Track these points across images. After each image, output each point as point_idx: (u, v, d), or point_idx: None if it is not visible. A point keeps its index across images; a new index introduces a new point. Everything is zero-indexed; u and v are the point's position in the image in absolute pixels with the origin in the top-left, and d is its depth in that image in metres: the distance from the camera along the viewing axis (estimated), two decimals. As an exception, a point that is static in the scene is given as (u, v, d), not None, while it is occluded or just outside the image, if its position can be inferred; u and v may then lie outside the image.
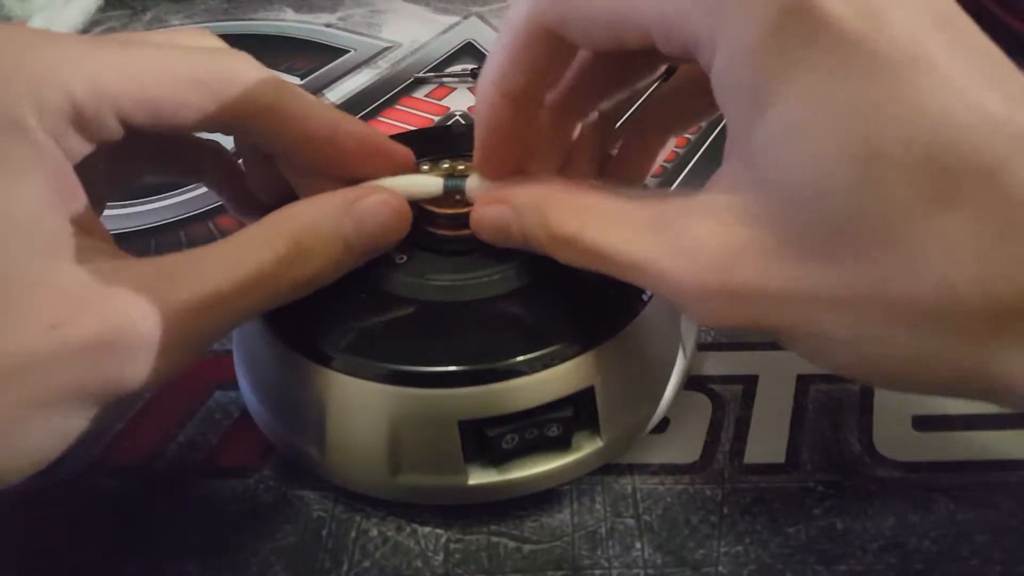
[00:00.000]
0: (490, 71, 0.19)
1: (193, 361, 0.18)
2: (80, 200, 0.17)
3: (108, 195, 0.23)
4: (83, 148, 0.17)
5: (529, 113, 0.20)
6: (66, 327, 0.15)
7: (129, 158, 0.22)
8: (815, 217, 0.14)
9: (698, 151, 0.37)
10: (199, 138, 0.23)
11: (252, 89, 0.19)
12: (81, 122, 0.17)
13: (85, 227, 0.17)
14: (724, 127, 0.39)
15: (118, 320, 0.16)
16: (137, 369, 0.16)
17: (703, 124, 0.39)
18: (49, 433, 0.16)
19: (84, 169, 0.18)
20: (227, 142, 0.24)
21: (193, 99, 0.18)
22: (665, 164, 0.36)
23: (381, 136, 0.22)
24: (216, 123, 0.19)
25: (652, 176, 0.34)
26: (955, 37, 0.14)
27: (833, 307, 0.15)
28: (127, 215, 0.34)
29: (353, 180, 0.21)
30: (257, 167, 0.24)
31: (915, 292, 0.14)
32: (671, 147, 0.25)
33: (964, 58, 0.14)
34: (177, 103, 0.18)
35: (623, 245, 0.17)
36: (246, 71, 0.19)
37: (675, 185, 0.35)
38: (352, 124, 0.21)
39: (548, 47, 0.18)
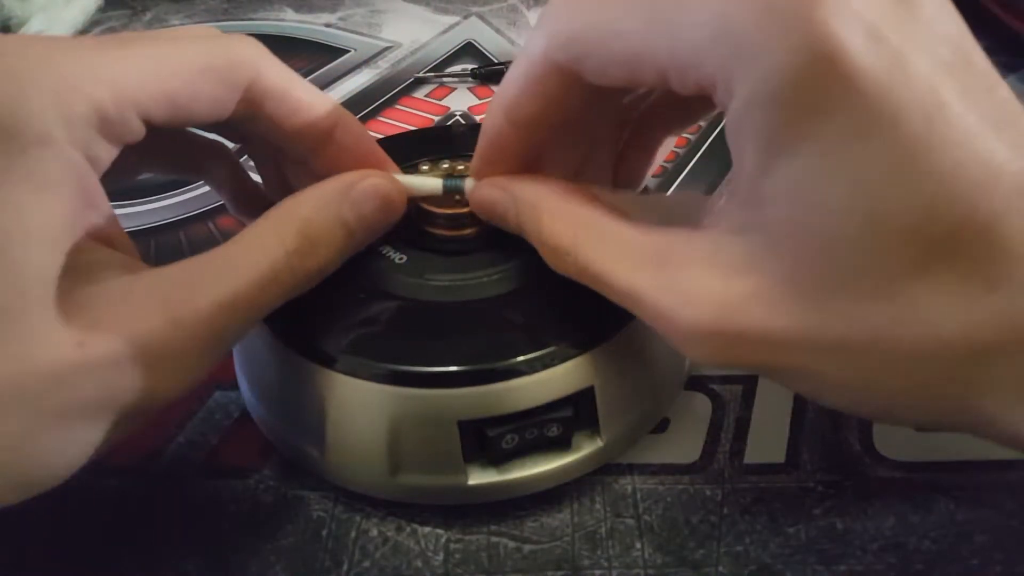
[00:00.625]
0: (501, 97, 0.19)
1: (219, 363, 0.18)
2: (104, 211, 0.18)
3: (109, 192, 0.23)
4: (109, 153, 0.17)
5: (536, 140, 0.20)
6: (92, 344, 0.16)
7: (133, 158, 0.22)
8: (817, 269, 0.15)
9: (698, 151, 0.37)
10: (202, 136, 0.23)
11: (261, 73, 0.19)
12: (106, 127, 0.17)
13: (107, 238, 0.18)
14: (724, 127, 0.39)
15: (141, 335, 0.16)
16: (163, 380, 0.16)
17: (702, 124, 0.39)
18: (75, 444, 0.16)
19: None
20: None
21: (207, 88, 0.18)
22: (665, 164, 0.36)
23: (374, 142, 0.22)
24: (228, 110, 0.19)
25: (652, 176, 0.34)
26: (970, 84, 0.14)
27: (828, 353, 0.15)
28: (127, 215, 0.34)
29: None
30: (272, 172, 0.24)
31: (906, 341, 0.14)
32: (671, 147, 0.25)
33: (977, 107, 0.14)
34: (192, 94, 0.18)
35: (621, 274, 0.17)
36: (256, 57, 0.19)
37: (675, 185, 0.35)
38: (353, 122, 0.22)
39: (561, 83, 0.18)
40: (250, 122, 0.20)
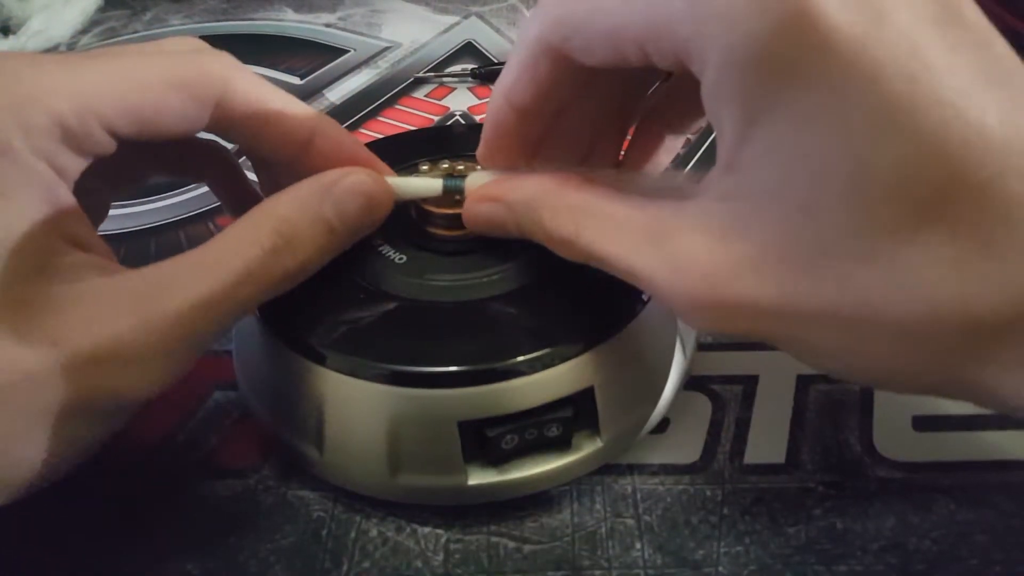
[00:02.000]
0: (502, 81, 0.19)
1: (195, 361, 0.18)
2: (74, 217, 0.18)
3: (112, 197, 0.23)
4: (77, 164, 0.18)
5: (537, 124, 0.20)
6: (64, 344, 0.16)
7: (130, 161, 0.22)
8: (802, 233, 0.14)
9: (698, 151, 0.37)
10: (200, 139, 0.23)
11: (232, 87, 0.19)
12: (70, 139, 0.17)
13: (80, 242, 0.18)
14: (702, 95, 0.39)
15: (113, 335, 0.16)
16: (137, 378, 0.17)
17: (703, 125, 0.39)
18: (57, 443, 0.16)
19: (86, 176, 0.18)
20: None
21: (175, 103, 0.19)
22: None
23: (359, 145, 0.22)
24: (199, 124, 0.19)
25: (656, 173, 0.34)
26: (959, 38, 0.14)
27: (818, 321, 0.15)
28: (127, 215, 0.34)
29: None
30: (268, 173, 0.24)
31: (896, 310, 0.14)
32: (677, 148, 0.25)
33: (967, 64, 0.13)
34: (158, 109, 0.18)
35: (622, 254, 0.17)
36: (225, 70, 0.20)
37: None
38: (332, 128, 0.22)
39: (555, 65, 0.18)
40: (227, 134, 0.21)
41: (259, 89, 0.20)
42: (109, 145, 0.18)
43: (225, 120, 0.20)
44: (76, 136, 0.17)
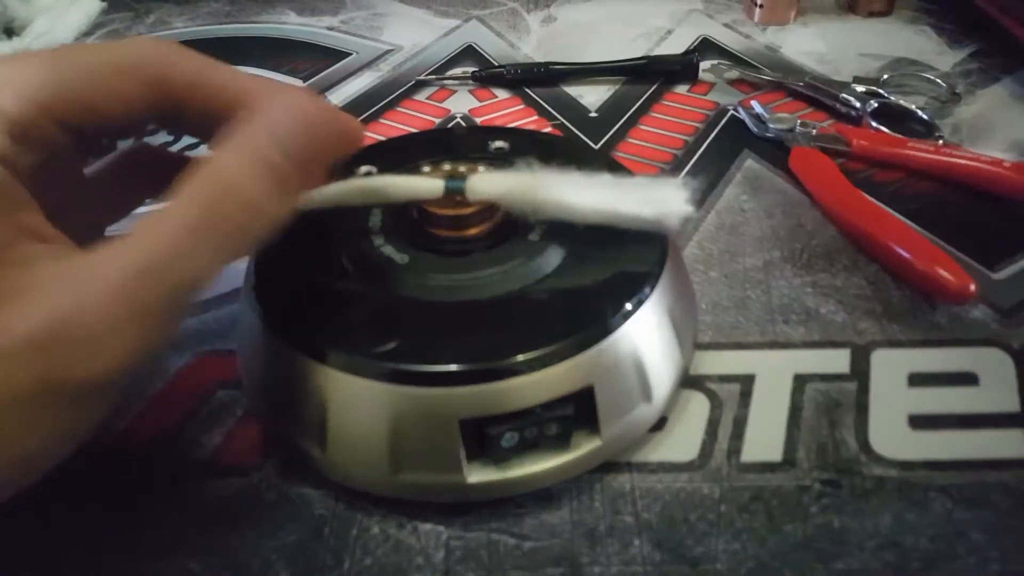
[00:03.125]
0: None
1: (163, 338, 0.17)
2: (26, 208, 0.17)
3: (109, 218, 0.24)
4: (26, 157, 0.18)
5: None
6: (11, 332, 0.15)
7: (126, 184, 0.22)
8: None
9: (697, 151, 0.37)
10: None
11: (171, 65, 0.19)
12: (19, 133, 0.17)
13: (36, 233, 0.17)
14: (722, 129, 0.39)
15: (58, 313, 0.16)
16: (90, 360, 0.16)
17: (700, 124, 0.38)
18: (22, 434, 0.16)
19: (80, 194, 0.19)
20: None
21: (119, 87, 0.19)
22: (663, 165, 0.37)
23: (317, 104, 0.21)
24: (146, 108, 0.19)
25: (651, 175, 0.34)
26: None
27: None
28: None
29: None
30: None
31: None
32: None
33: None
34: (103, 95, 0.18)
35: None
36: (163, 50, 0.20)
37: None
38: (281, 92, 0.21)
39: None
40: (181, 116, 0.20)
41: (202, 64, 0.20)
42: (60, 135, 0.18)
43: (171, 99, 0.19)
44: (25, 129, 0.17)
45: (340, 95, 0.44)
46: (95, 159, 0.24)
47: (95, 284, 0.16)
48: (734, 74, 0.44)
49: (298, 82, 0.46)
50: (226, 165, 0.18)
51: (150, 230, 0.17)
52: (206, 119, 0.20)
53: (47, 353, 0.16)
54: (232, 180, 0.18)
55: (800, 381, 0.25)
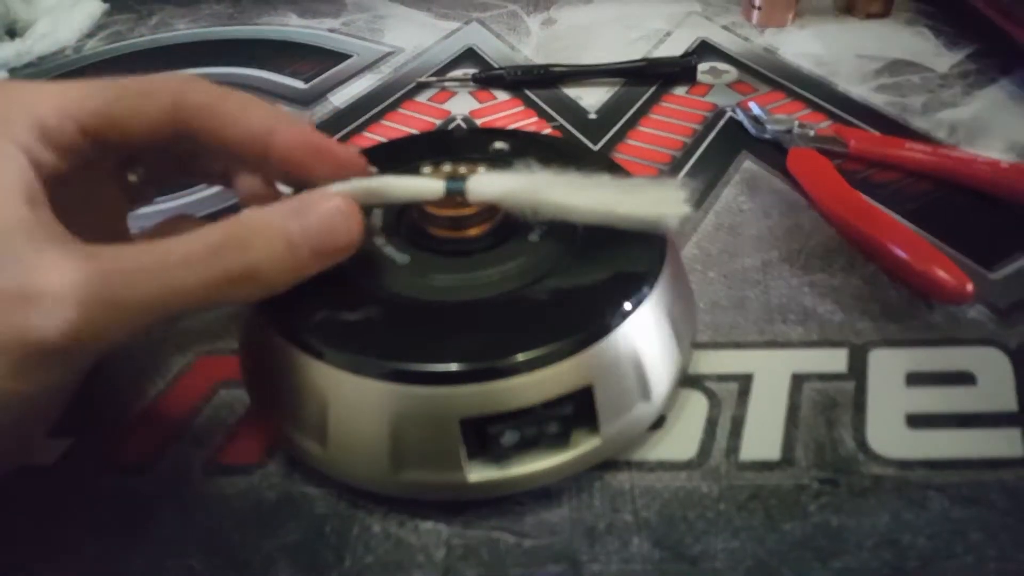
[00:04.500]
0: None
1: (135, 333, 0.18)
2: (38, 204, 0.18)
3: (140, 198, 0.26)
4: (52, 159, 0.19)
5: None
6: None
7: (167, 163, 0.24)
8: None
9: (695, 152, 0.38)
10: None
11: (186, 92, 0.21)
12: (47, 135, 0.19)
13: (43, 225, 0.18)
14: (720, 131, 0.40)
15: (27, 276, 0.17)
16: (47, 320, 0.17)
17: (694, 138, 0.39)
18: None
19: (103, 185, 0.21)
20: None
21: (142, 106, 0.21)
22: (662, 166, 0.37)
23: (321, 136, 0.23)
24: (165, 125, 0.21)
25: (650, 176, 0.34)
26: None
27: None
28: (132, 216, 0.34)
29: (300, 183, 0.23)
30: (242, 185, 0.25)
31: None
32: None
33: None
34: (129, 112, 0.21)
35: None
36: (179, 79, 0.22)
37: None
38: (288, 125, 0.22)
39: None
40: (192, 141, 0.22)
41: (215, 93, 0.22)
42: (83, 145, 0.20)
43: (184, 123, 0.21)
44: (52, 133, 0.19)
45: (341, 97, 0.44)
46: (139, 204, 0.26)
47: (84, 265, 0.17)
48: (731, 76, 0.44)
49: (299, 84, 0.46)
50: (250, 224, 0.20)
51: (158, 248, 0.18)
52: (217, 141, 0.22)
53: (10, 307, 0.17)
54: (246, 237, 0.19)
55: (798, 380, 0.26)
